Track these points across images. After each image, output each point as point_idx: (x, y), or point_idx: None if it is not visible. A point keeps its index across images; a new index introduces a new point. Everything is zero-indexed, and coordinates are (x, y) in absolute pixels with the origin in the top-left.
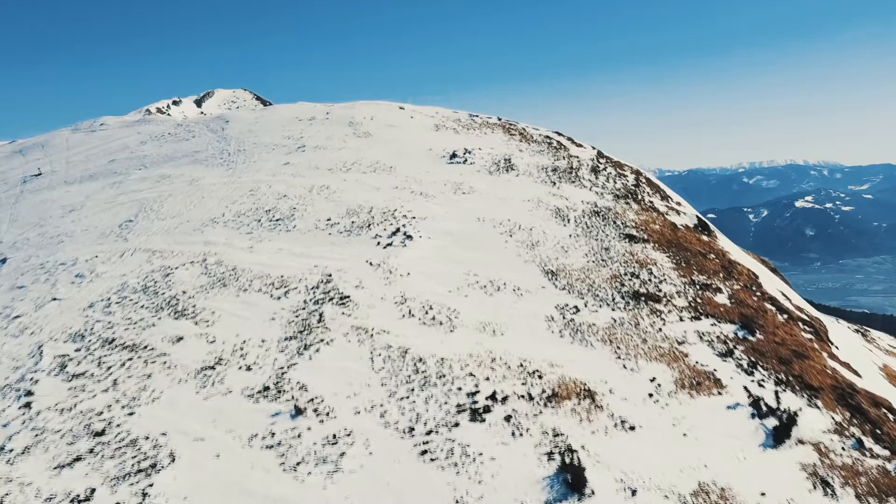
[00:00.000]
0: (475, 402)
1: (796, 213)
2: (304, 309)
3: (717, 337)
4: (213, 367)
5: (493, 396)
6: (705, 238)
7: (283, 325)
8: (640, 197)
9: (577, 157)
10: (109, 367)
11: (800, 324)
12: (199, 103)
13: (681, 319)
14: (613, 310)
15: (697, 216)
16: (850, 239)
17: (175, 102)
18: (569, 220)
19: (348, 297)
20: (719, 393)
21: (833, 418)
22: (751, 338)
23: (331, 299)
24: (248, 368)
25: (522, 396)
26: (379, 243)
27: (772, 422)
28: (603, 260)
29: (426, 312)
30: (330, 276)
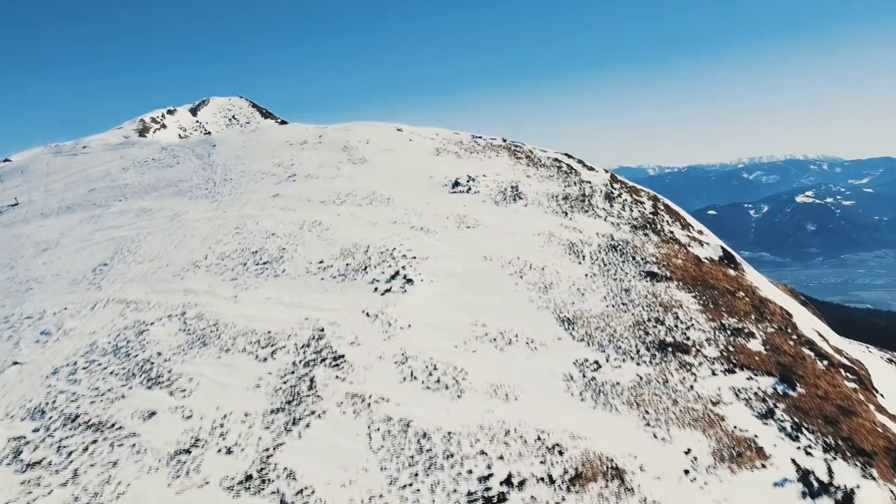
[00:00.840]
0: (488, 489)
1: (797, 209)
2: (292, 373)
3: (755, 394)
4: (188, 451)
5: (508, 481)
6: (732, 272)
7: (269, 394)
8: (659, 227)
9: (590, 182)
10: (70, 454)
11: (841, 371)
12: (194, 112)
13: (713, 373)
14: (639, 364)
15: (722, 247)
16: (852, 233)
17: (170, 111)
18: (584, 257)
19: (342, 356)
20: (763, 465)
21: (892, 491)
22: (791, 393)
23: (323, 360)
24: (229, 451)
25: (542, 479)
26: (376, 289)
27: (826, 502)
28: (623, 304)
29: (430, 374)
30: (322, 330)
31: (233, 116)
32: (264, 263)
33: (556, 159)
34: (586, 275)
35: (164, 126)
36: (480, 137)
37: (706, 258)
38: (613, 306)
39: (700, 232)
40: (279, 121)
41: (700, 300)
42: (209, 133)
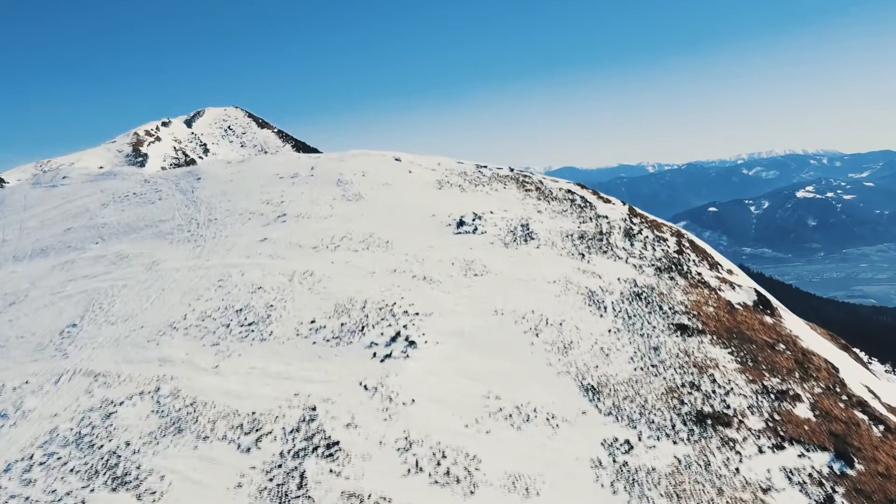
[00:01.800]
0: None
1: (798, 204)
2: (280, 467)
3: (810, 475)
4: None
5: None
6: (769, 319)
7: (252, 496)
8: (685, 268)
9: (606, 217)
10: None
11: None
12: (189, 123)
13: (760, 451)
14: (675, 443)
15: (756, 290)
16: (853, 228)
17: (164, 123)
18: (606, 308)
19: (337, 443)
20: None
21: None
22: (849, 471)
23: (315, 448)
24: None
25: None
26: (375, 354)
27: None
28: (653, 365)
29: (438, 463)
30: (314, 409)
31: (228, 127)
32: (249, 324)
33: (568, 190)
34: (609, 330)
35: (158, 139)
36: (485, 167)
37: (739, 304)
38: (642, 369)
39: (730, 272)
40: (276, 130)
41: (737, 357)
42: (204, 145)
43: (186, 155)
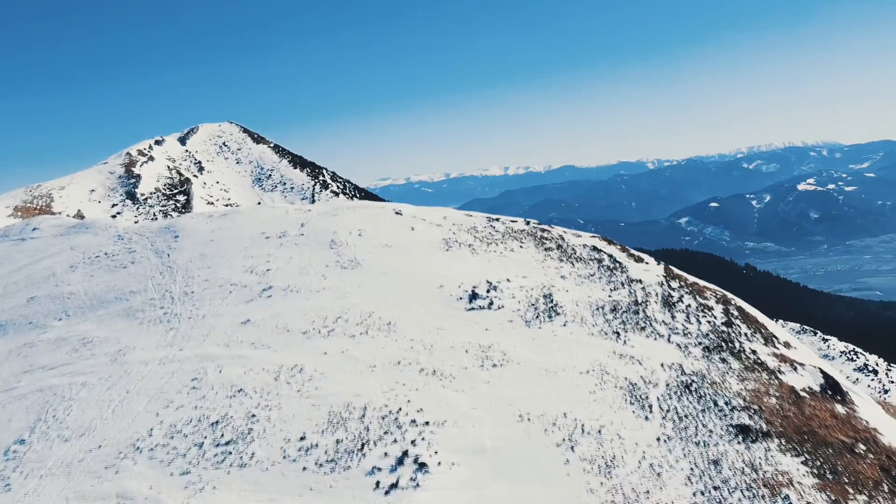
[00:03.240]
0: None
1: (799, 197)
2: None
3: None
4: None
5: None
6: (841, 409)
7: None
8: (738, 346)
9: (640, 280)
10: None
11: None
12: (182, 141)
13: None
14: None
15: (821, 370)
16: (856, 219)
17: (158, 142)
18: (651, 407)
19: None
20: None
21: None
22: None
23: None
24: None
25: None
26: (378, 484)
27: None
28: (716, 487)
29: None
30: None
31: (223, 144)
32: (227, 443)
33: (594, 248)
34: (658, 438)
35: (151, 158)
36: (497, 220)
37: (805, 390)
38: (703, 493)
39: (787, 345)
40: (271, 145)
41: (813, 468)
42: (199, 163)
43: (181, 174)
